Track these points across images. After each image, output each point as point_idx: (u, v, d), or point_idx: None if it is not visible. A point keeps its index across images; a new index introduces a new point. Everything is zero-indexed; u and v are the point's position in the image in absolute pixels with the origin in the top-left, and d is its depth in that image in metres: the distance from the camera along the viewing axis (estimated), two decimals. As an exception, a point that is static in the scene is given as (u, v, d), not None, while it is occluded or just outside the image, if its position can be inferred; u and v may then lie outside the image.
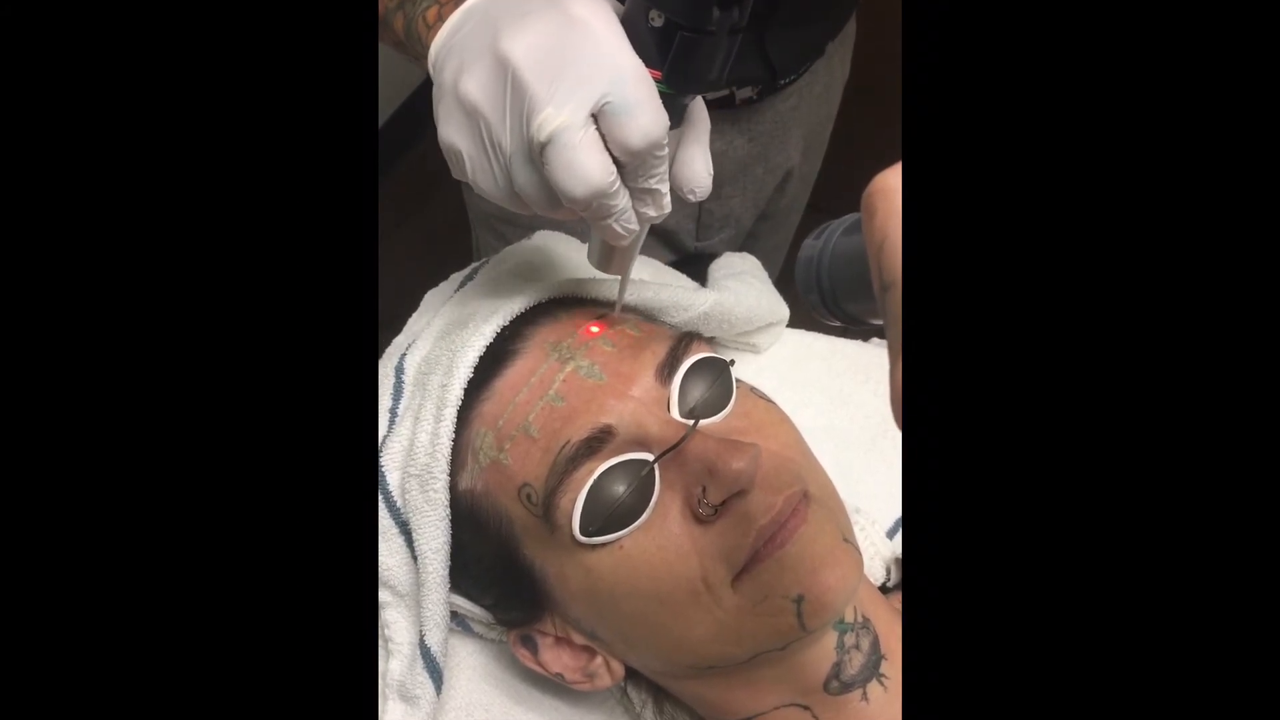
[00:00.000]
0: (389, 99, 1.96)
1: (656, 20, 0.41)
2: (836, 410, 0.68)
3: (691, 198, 0.46)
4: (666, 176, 0.44)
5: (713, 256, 0.71)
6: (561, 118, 0.39)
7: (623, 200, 0.43)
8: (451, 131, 0.44)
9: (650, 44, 0.41)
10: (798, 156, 0.83)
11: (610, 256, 0.49)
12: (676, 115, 0.43)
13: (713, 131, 0.52)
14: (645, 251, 0.78)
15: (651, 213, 0.44)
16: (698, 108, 0.46)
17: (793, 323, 0.71)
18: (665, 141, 0.42)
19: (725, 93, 0.72)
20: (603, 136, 0.41)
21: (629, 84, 0.40)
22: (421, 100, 2.00)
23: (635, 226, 0.44)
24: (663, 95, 0.41)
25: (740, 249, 0.82)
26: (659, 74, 0.41)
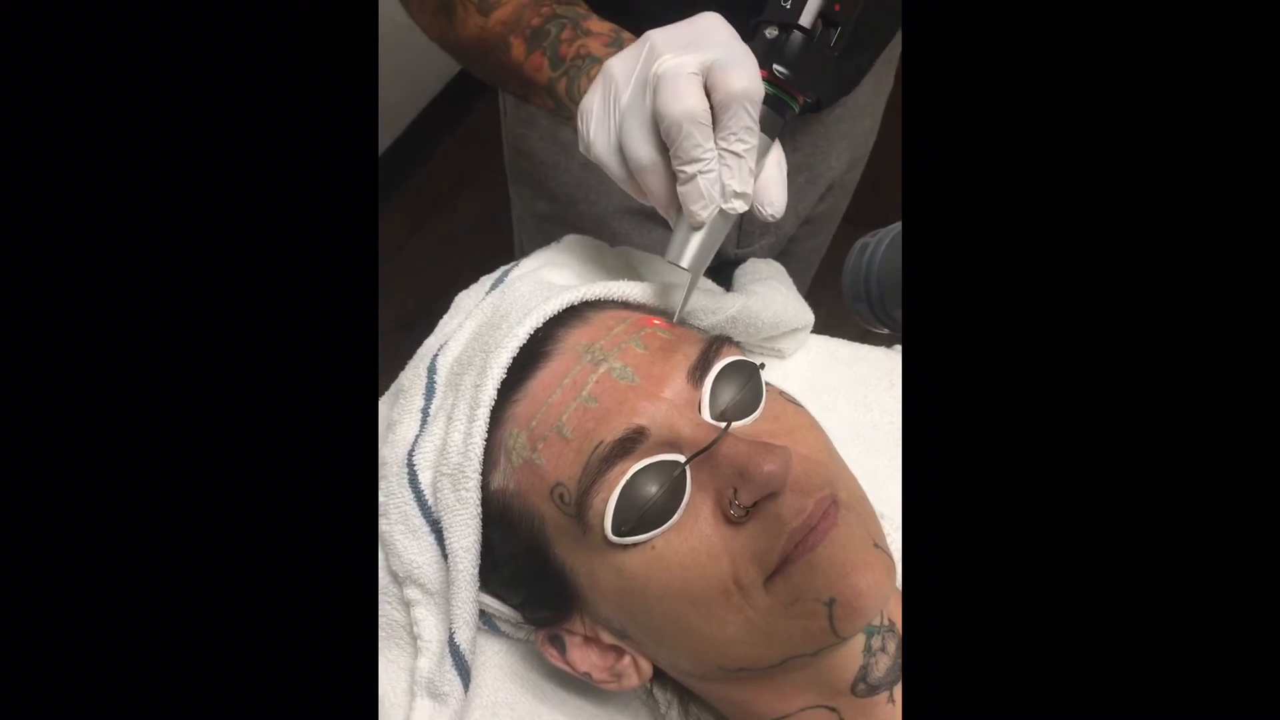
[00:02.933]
0: (409, 105, 1.97)
1: (770, 33, 0.51)
2: (860, 416, 0.68)
3: (769, 214, 0.52)
4: (753, 158, 0.49)
5: (739, 261, 0.71)
6: (678, 60, 0.48)
7: (710, 151, 0.48)
8: (589, 97, 0.52)
9: (761, 53, 0.50)
10: (841, 167, 0.84)
11: (687, 243, 0.51)
12: (771, 131, 0.51)
13: None
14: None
15: (735, 185, 0.49)
16: (778, 149, 0.52)
17: (817, 329, 0.71)
18: (759, 100, 0.48)
19: None
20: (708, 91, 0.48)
21: (738, 52, 0.49)
22: (440, 106, 2.02)
23: (718, 196, 0.49)
24: (766, 101, 0.50)
25: (778, 256, 0.83)
26: (766, 74, 0.50)
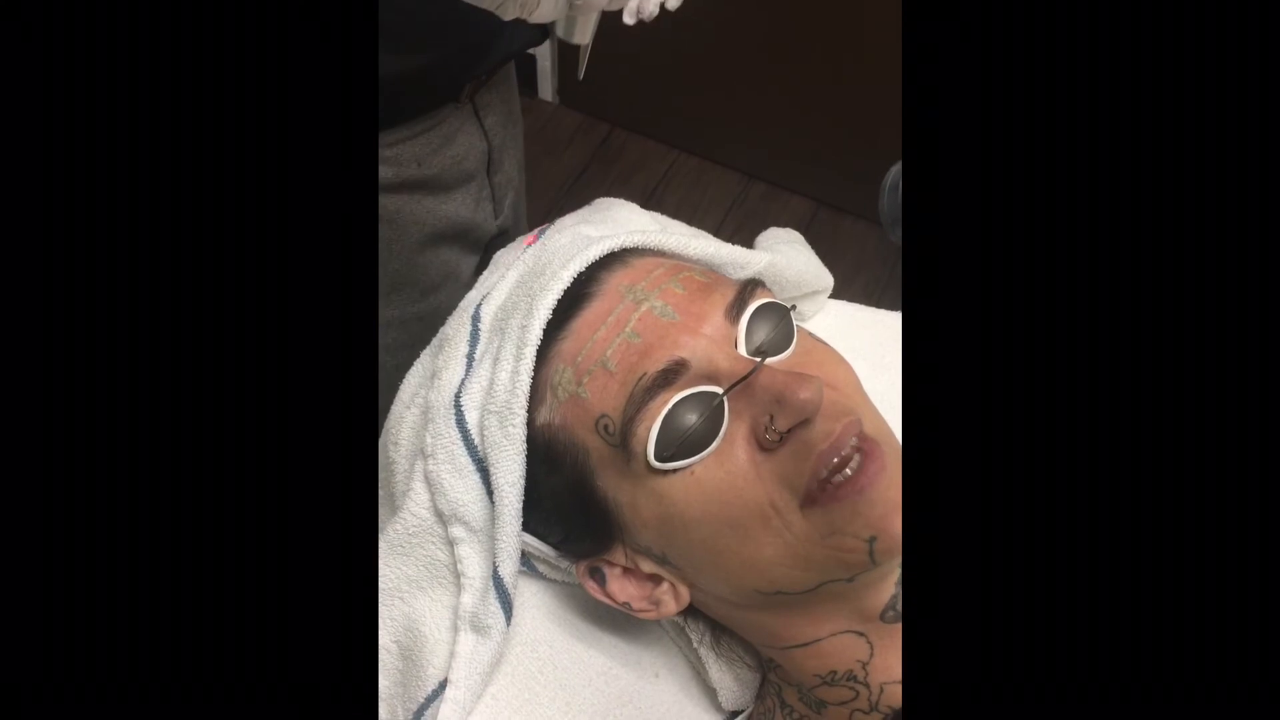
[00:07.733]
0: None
1: None
2: (879, 376, 0.70)
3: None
4: None
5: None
6: None
7: None
8: None
9: None
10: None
11: (574, 21, 0.60)
12: None
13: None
14: (461, 256, 0.87)
15: None
16: None
17: (834, 295, 0.74)
18: None
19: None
20: None
21: None
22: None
23: None
24: None
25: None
26: None
